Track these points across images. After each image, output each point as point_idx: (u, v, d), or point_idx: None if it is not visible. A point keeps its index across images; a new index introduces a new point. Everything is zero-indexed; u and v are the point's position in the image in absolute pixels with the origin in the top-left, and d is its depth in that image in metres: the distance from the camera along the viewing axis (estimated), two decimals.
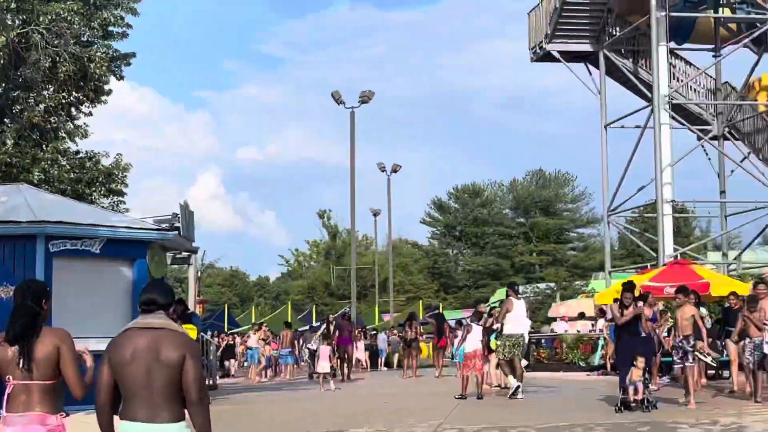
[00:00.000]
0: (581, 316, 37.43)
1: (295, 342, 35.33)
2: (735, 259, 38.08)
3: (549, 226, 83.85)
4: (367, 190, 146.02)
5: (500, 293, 41.35)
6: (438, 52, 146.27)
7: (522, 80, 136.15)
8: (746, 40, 33.56)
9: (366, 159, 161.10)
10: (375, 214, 66.56)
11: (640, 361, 16.06)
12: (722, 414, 15.59)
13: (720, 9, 35.23)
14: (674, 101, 33.40)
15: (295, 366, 34.95)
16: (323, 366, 25.79)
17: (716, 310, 25.22)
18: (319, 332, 31.43)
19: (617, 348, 18.04)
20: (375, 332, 46.88)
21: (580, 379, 27.31)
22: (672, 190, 32.26)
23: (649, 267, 31.75)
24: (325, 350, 25.99)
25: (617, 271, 41.10)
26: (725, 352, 21.18)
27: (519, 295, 20.90)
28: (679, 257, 30.55)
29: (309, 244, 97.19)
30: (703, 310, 21.15)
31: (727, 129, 35.80)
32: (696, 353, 16.95)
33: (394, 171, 59.56)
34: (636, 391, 16.01)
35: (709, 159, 37.09)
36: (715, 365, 17.31)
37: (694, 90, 36.74)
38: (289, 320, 46.69)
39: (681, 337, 17.20)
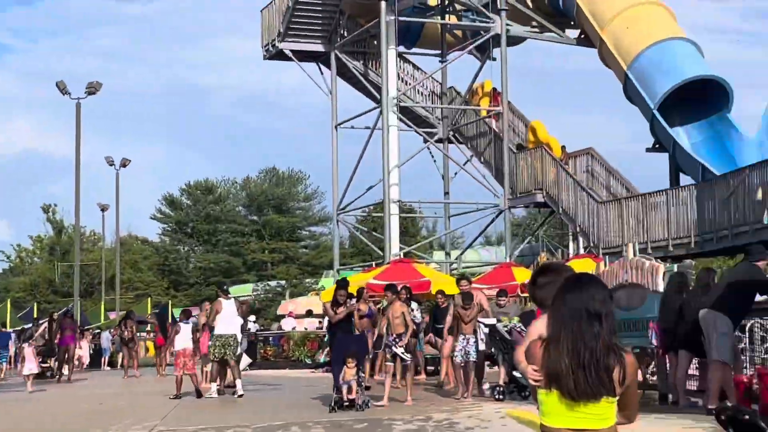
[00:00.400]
0: (309, 313, 37.68)
1: (9, 342, 33.56)
2: (457, 258, 39.35)
3: (281, 224, 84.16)
4: (97, 184, 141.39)
5: (232, 291, 41.00)
6: (175, 48, 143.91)
7: (258, 78, 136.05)
8: (471, 46, 34.72)
9: (97, 153, 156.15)
10: (103, 209, 64.64)
11: (350, 362, 16.13)
12: (436, 410, 15.92)
13: (447, 16, 36.31)
14: (402, 104, 34.12)
15: (6, 366, 33.24)
16: (29, 368, 24.58)
17: None
18: (39, 331, 30.09)
19: (331, 346, 18.10)
20: (99, 331, 45.41)
21: (305, 376, 27.49)
22: (399, 190, 32.95)
23: (374, 265, 32.29)
24: (29, 351, 24.81)
25: (345, 268, 41.59)
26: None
27: (228, 295, 20.67)
28: (402, 256, 31.25)
29: (32, 240, 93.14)
30: (414, 305, 21.52)
31: (451, 132, 36.90)
32: (395, 350, 17.12)
33: (123, 165, 58.02)
34: (350, 390, 16.06)
35: (435, 161, 38.16)
36: (407, 359, 17.51)
37: (421, 93, 37.74)
38: (8, 319, 44.54)
39: (394, 335, 17.35)
